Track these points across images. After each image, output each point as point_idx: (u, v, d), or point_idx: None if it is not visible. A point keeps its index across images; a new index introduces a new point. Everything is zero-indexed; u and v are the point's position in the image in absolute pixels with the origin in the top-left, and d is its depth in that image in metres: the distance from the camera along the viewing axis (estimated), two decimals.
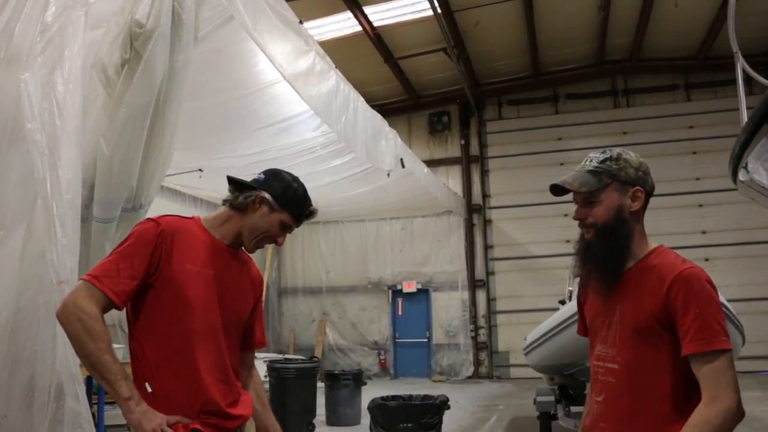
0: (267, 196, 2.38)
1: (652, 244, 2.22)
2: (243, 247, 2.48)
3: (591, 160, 2.23)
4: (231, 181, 2.47)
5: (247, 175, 2.62)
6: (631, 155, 2.21)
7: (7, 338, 3.03)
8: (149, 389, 2.20)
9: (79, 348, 2.10)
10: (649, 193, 2.21)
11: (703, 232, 15.33)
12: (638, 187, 2.17)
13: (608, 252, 2.15)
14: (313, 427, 9.14)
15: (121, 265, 2.17)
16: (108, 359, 2.08)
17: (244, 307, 2.49)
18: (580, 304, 2.44)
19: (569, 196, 2.27)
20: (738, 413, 1.92)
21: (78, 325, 2.07)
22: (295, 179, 2.49)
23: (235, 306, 2.42)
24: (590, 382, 2.29)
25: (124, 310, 2.29)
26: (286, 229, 2.45)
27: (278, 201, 2.39)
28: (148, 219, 2.32)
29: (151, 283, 2.23)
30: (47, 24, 3.27)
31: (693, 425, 1.92)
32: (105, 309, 2.14)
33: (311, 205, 2.49)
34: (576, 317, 2.57)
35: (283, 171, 2.50)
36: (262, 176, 2.44)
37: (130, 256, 2.20)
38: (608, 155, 2.20)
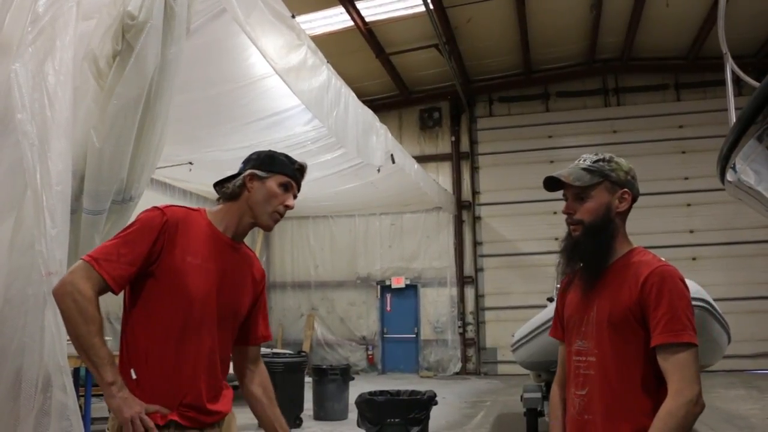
0: (253, 170, 2.40)
1: (632, 244, 2.32)
2: (260, 227, 2.48)
3: (585, 160, 2.34)
4: (216, 184, 2.50)
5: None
6: (621, 160, 2.33)
7: None
8: (134, 376, 2.21)
9: (70, 328, 2.11)
10: (634, 198, 2.31)
11: (691, 232, 15.42)
12: (626, 189, 2.28)
13: (595, 249, 2.26)
14: (301, 421, 9.16)
15: (122, 250, 2.18)
16: (97, 342, 2.09)
17: (241, 301, 2.48)
18: (557, 309, 2.51)
19: (559, 194, 2.34)
20: (698, 404, 2.01)
21: (72, 305, 2.08)
22: (270, 150, 2.53)
23: (232, 300, 2.42)
24: (569, 377, 2.35)
25: (120, 298, 2.31)
26: (289, 189, 2.45)
27: (265, 169, 2.41)
28: (155, 207, 2.32)
29: (151, 271, 2.24)
30: (38, 14, 3.25)
31: (659, 419, 2.01)
32: (101, 292, 2.15)
33: (297, 161, 2.50)
34: None
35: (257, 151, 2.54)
36: (241, 164, 2.48)
37: (132, 242, 2.21)
38: (601, 156, 2.32)
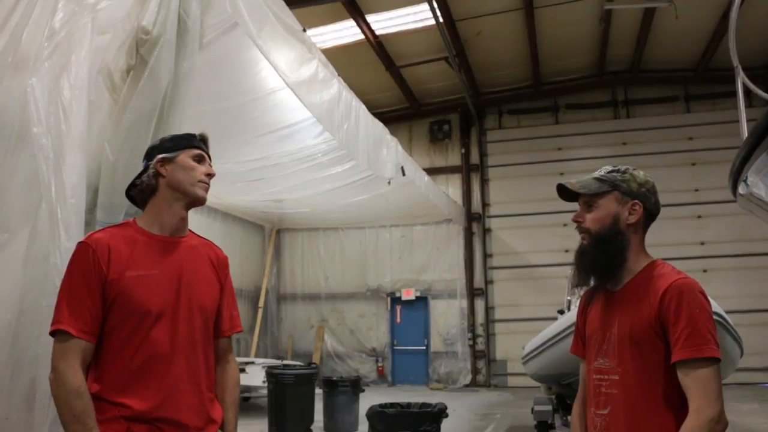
0: (159, 156, 2.37)
1: (651, 258, 2.27)
2: (194, 204, 2.43)
3: (600, 170, 2.33)
4: (128, 191, 2.46)
5: (248, 182, 2.63)
6: (639, 172, 2.30)
7: (9, 340, 3.03)
8: None
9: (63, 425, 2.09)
10: (650, 211, 2.27)
11: (702, 244, 15.34)
12: (637, 201, 2.24)
13: (600, 259, 2.23)
14: None
15: (72, 302, 2.15)
16: None
17: (206, 295, 2.39)
18: (578, 325, 2.47)
19: (570, 206, 2.34)
20: (721, 422, 1.97)
21: (60, 409, 2.08)
22: (162, 136, 2.53)
23: (196, 297, 2.34)
24: (589, 396, 2.30)
25: None
26: (202, 160, 2.43)
27: (170, 150, 2.38)
28: (79, 243, 2.29)
29: (104, 299, 2.20)
30: (55, 30, 3.29)
31: None
32: (85, 352, 2.15)
33: (194, 133, 2.49)
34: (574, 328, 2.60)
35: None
36: (144, 160, 2.43)
37: (77, 288, 2.18)
38: (616, 168, 2.31)
